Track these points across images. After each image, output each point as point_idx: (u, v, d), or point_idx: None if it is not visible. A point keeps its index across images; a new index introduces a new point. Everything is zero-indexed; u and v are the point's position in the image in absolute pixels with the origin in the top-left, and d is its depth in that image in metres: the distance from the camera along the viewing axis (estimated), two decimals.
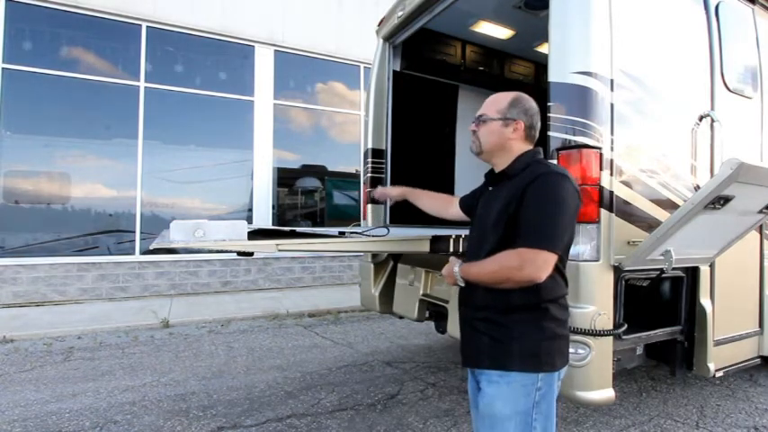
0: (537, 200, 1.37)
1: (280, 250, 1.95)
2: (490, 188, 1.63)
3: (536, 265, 1.32)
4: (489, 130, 1.56)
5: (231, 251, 1.88)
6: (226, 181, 7.99)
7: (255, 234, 2.11)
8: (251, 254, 2.00)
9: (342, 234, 2.41)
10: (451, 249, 2.40)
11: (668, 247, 2.11)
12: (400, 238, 2.43)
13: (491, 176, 1.65)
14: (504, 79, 4.94)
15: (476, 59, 4.77)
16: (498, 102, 1.57)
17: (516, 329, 1.42)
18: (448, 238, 2.40)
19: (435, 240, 2.40)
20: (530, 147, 1.57)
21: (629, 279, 2.41)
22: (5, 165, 6.50)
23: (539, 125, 1.60)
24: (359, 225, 4.75)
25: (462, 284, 1.51)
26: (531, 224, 1.36)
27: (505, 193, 1.47)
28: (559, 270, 1.46)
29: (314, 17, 8.48)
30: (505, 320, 1.43)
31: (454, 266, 1.52)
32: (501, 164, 1.57)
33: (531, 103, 1.57)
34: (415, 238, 2.41)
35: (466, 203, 1.93)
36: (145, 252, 7.05)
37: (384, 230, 2.42)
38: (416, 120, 4.47)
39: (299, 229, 2.45)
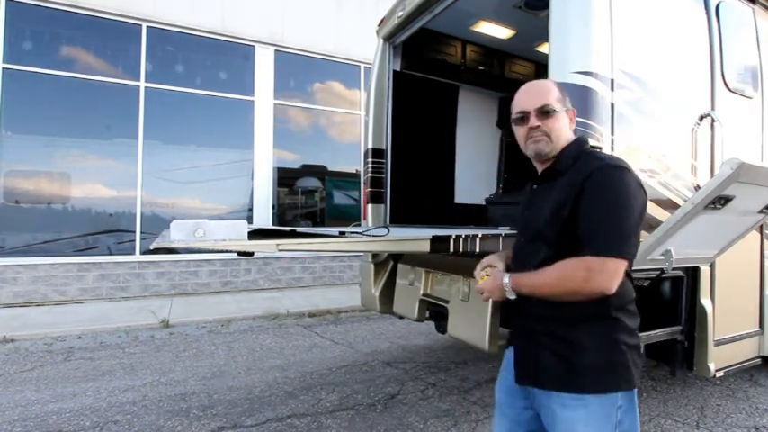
0: (599, 200, 1.21)
1: (280, 250, 1.94)
2: (535, 186, 1.46)
3: (605, 275, 1.17)
4: (560, 125, 1.35)
5: (231, 251, 1.88)
6: (226, 181, 7.98)
7: (256, 234, 2.11)
8: (251, 254, 2.00)
9: (342, 234, 2.41)
10: (452, 249, 2.40)
11: (668, 246, 2.11)
12: (400, 238, 2.42)
13: (535, 174, 1.49)
14: (505, 79, 4.93)
15: (476, 59, 4.77)
16: (552, 90, 1.36)
17: (588, 345, 1.25)
18: (448, 238, 2.40)
19: (435, 240, 2.40)
20: None
21: None
22: (5, 165, 6.50)
23: None
24: (359, 225, 4.75)
25: (513, 297, 1.34)
26: (595, 229, 1.20)
27: (557, 193, 1.30)
28: (628, 274, 1.30)
29: (314, 17, 8.48)
30: (574, 335, 1.27)
31: (502, 278, 1.33)
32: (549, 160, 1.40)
33: None
34: (416, 239, 2.41)
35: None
36: (145, 252, 7.05)
37: (384, 230, 2.42)
38: (417, 120, 4.47)
39: (299, 229, 2.45)
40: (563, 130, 1.36)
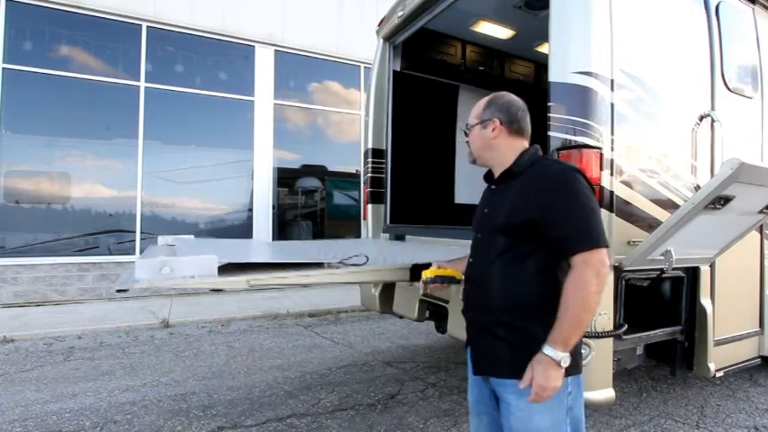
0: (569, 200, 1.31)
1: (251, 286, 1.84)
2: (493, 187, 1.58)
3: (603, 264, 1.27)
4: (474, 137, 1.58)
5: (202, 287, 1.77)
6: (226, 181, 7.99)
7: (228, 267, 1.96)
8: (222, 290, 1.87)
9: (320, 265, 2.24)
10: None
11: (668, 247, 2.11)
12: (380, 269, 2.29)
13: (491, 176, 1.61)
14: (505, 79, 4.94)
15: (476, 59, 4.77)
16: (477, 107, 1.59)
17: (542, 334, 1.31)
18: (429, 266, 2.31)
19: (416, 269, 2.30)
20: (522, 142, 1.52)
21: (629, 279, 2.41)
22: (5, 165, 6.50)
23: (525, 117, 1.53)
24: (348, 238, 4.69)
25: (568, 363, 1.29)
26: (576, 227, 1.30)
27: (514, 193, 1.42)
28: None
29: (314, 17, 8.48)
30: (528, 325, 1.34)
31: (551, 356, 1.26)
32: (499, 164, 1.53)
33: (509, 98, 1.53)
34: (396, 268, 2.30)
35: None
36: None
37: (363, 259, 2.29)
38: (417, 120, 4.47)
39: (273, 261, 2.27)
40: (478, 141, 1.56)
